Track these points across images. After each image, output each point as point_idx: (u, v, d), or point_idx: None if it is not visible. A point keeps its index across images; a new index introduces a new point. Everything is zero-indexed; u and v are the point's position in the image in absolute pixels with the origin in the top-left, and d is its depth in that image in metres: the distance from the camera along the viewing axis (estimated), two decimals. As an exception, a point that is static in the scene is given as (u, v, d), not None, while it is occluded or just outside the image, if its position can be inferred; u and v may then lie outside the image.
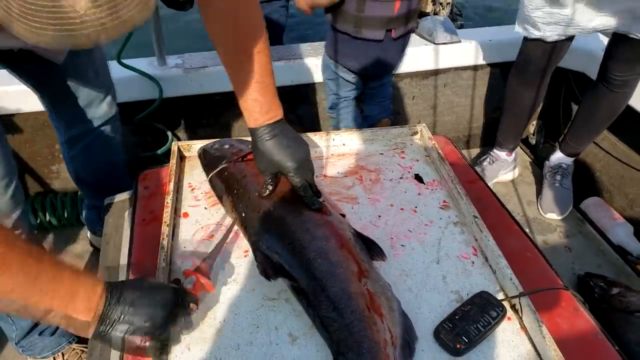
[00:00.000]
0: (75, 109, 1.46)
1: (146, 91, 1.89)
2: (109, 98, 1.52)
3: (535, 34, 1.76)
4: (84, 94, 1.44)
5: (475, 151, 2.54)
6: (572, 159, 2.03)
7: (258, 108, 0.98)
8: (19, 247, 0.65)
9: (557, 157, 2.05)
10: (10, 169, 1.14)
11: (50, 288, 0.67)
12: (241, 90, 0.98)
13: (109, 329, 0.72)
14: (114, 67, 1.85)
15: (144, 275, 0.85)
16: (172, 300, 0.79)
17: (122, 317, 0.73)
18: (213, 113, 2.06)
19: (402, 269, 1.02)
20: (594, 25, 1.65)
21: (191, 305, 0.83)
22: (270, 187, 1.03)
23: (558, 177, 2.00)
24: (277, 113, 1.01)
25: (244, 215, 1.03)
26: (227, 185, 1.11)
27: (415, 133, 1.43)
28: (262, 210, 1.02)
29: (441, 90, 2.30)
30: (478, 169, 2.17)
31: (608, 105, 1.80)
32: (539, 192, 2.11)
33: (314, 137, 1.35)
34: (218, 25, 0.94)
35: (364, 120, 1.99)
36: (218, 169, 1.14)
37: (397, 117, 2.30)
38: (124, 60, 1.85)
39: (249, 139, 1.27)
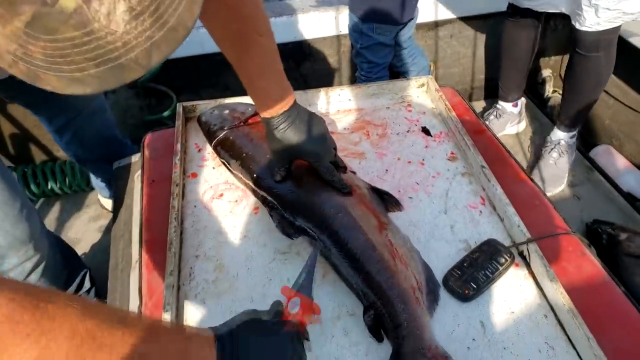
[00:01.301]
0: (53, 104, 1.42)
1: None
2: None
3: None
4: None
5: (480, 103, 2.51)
6: (572, 133, 1.94)
7: (270, 95, 0.91)
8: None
9: (556, 133, 1.97)
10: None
11: None
12: (249, 79, 0.91)
13: None
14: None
15: (246, 315, 0.68)
16: (292, 351, 0.65)
17: None
18: (215, 73, 2.04)
19: (410, 221, 1.03)
20: None
21: (305, 341, 0.71)
22: (283, 173, 0.98)
23: (554, 155, 1.94)
24: (290, 97, 0.93)
25: (255, 176, 1.02)
26: (233, 150, 1.09)
27: (422, 85, 1.42)
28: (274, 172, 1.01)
29: (447, 42, 2.26)
30: (485, 122, 2.15)
31: (587, 72, 1.74)
32: (538, 155, 2.06)
33: (319, 93, 1.34)
34: (214, 10, 0.84)
35: None
36: (222, 136, 1.12)
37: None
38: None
39: (247, 99, 1.27)
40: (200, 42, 1.91)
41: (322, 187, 0.96)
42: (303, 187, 0.98)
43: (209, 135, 1.16)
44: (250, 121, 1.15)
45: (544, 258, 0.90)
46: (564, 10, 1.67)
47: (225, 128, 1.13)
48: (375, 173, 1.14)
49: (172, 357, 0.54)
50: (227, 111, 1.19)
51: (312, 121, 0.96)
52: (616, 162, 1.99)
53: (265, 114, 0.93)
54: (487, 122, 2.16)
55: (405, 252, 0.88)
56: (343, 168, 1.04)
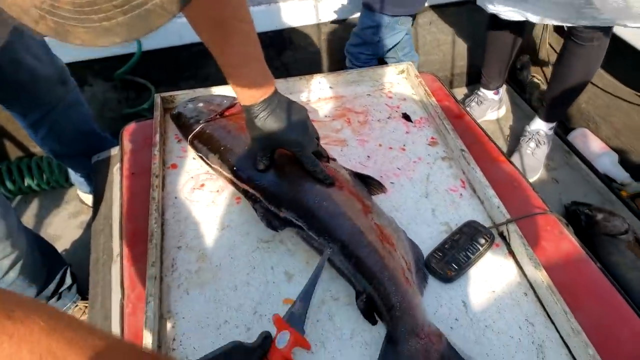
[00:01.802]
0: (25, 99, 1.38)
1: (123, 45, 1.84)
2: (59, 78, 1.44)
3: None
4: (30, 85, 1.35)
5: (461, 90, 2.53)
6: (552, 125, 1.96)
7: (251, 83, 0.90)
8: None
9: (536, 123, 1.98)
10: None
11: None
12: (230, 67, 0.89)
13: None
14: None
15: (229, 349, 0.66)
16: None
17: None
18: (194, 64, 2.02)
19: (392, 205, 1.03)
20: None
21: None
22: (266, 163, 0.97)
23: (532, 145, 1.95)
24: (271, 84, 0.92)
25: (236, 169, 1.00)
26: (211, 143, 1.06)
27: (402, 72, 1.42)
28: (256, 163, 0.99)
29: (427, 28, 2.27)
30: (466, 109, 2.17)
31: (580, 61, 1.74)
32: (518, 140, 2.07)
33: (300, 81, 1.34)
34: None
35: None
36: (198, 129, 1.09)
37: (391, 59, 2.27)
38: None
39: (221, 90, 1.26)
40: (179, 32, 1.89)
41: (306, 176, 0.96)
42: (286, 178, 0.97)
43: (184, 129, 1.13)
44: (226, 113, 1.13)
45: (523, 237, 0.92)
46: (543, 20, 1.66)
47: (201, 121, 1.10)
48: (357, 160, 1.15)
49: None
50: (201, 104, 1.16)
51: (294, 110, 0.95)
52: (593, 145, 2.02)
53: (246, 102, 0.92)
54: (468, 108, 2.18)
55: (391, 233, 0.89)
56: (326, 158, 1.04)
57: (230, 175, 1.01)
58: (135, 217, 1.01)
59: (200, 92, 1.26)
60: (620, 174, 1.90)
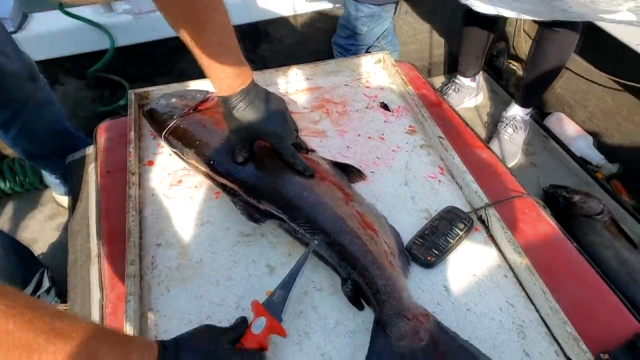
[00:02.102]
0: None
1: (95, 41, 1.81)
2: (28, 74, 1.40)
3: None
4: None
5: (439, 78, 2.54)
6: (528, 110, 1.98)
7: (228, 72, 0.88)
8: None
9: (513, 109, 2.00)
10: None
11: None
12: (205, 57, 0.86)
13: None
14: (58, 18, 1.76)
15: (201, 329, 0.67)
16: None
17: None
18: (170, 59, 1.99)
19: (372, 195, 1.03)
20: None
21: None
22: (245, 155, 0.96)
23: (509, 131, 1.97)
24: (248, 75, 0.91)
25: (213, 163, 0.99)
26: (186, 139, 1.04)
27: (379, 61, 1.42)
28: (234, 157, 0.98)
29: (403, 18, 2.27)
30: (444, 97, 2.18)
31: (554, 47, 1.75)
32: (496, 126, 2.08)
33: (276, 73, 1.33)
34: None
35: None
36: (172, 125, 1.07)
37: (375, 47, 2.27)
38: (68, 10, 1.75)
39: (197, 84, 1.24)
40: (153, 27, 1.86)
41: (285, 167, 0.95)
42: (265, 170, 0.96)
43: (158, 125, 1.11)
44: (200, 107, 1.12)
45: (501, 221, 0.93)
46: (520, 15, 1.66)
47: (175, 117, 1.08)
48: (336, 150, 1.14)
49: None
50: (174, 99, 1.14)
51: (272, 101, 0.94)
52: (569, 128, 2.05)
53: (223, 93, 0.90)
54: (445, 97, 2.20)
55: (373, 220, 0.89)
56: (305, 149, 1.03)
57: (207, 170, 1.00)
58: (113, 216, 0.99)
59: (175, 87, 1.24)
60: (596, 157, 1.93)
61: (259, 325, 0.70)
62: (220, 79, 0.89)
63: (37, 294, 1.36)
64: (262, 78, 1.31)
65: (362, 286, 0.80)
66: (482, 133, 2.16)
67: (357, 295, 0.81)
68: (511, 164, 1.94)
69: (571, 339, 0.76)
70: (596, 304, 0.86)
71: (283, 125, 0.95)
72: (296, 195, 0.90)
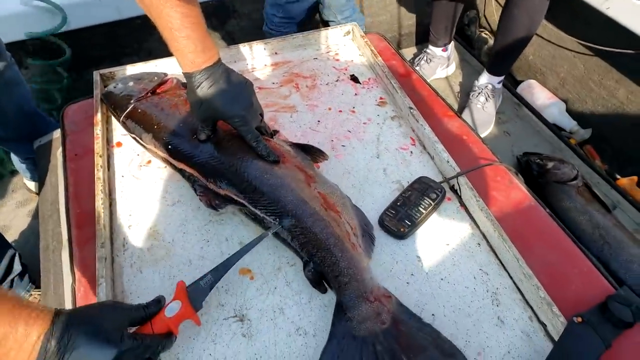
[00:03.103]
0: None
1: (54, 22, 1.74)
2: None
3: None
4: None
5: (411, 49, 2.52)
6: (500, 78, 1.97)
7: (192, 47, 0.85)
8: None
9: (484, 77, 1.99)
10: None
11: None
12: (169, 30, 0.83)
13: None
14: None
15: (106, 303, 0.64)
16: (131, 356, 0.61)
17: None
18: (136, 39, 1.93)
19: (344, 168, 1.03)
20: None
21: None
22: (208, 133, 0.94)
23: (482, 99, 1.96)
24: (214, 52, 0.88)
25: (172, 147, 0.96)
26: (144, 123, 1.01)
27: (348, 33, 1.40)
28: (193, 141, 0.95)
29: (373, -11, 2.24)
30: (415, 68, 2.17)
31: (524, 13, 1.73)
32: (468, 96, 2.07)
33: (244, 48, 1.30)
34: None
35: None
36: (130, 108, 1.04)
37: (331, 22, 2.24)
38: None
39: (164, 62, 1.21)
40: (117, 7, 1.81)
41: (245, 151, 0.92)
42: (225, 153, 0.93)
43: (115, 110, 1.08)
44: (158, 90, 1.09)
45: (473, 189, 0.93)
46: None
47: (132, 100, 1.05)
48: (307, 125, 1.13)
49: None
50: (131, 82, 1.10)
51: (238, 83, 0.92)
52: (541, 95, 2.06)
53: (187, 69, 0.87)
54: (417, 67, 2.19)
55: (336, 201, 0.88)
56: (269, 134, 1.01)
57: (165, 155, 0.98)
58: (82, 199, 0.97)
59: (141, 67, 1.21)
60: (569, 123, 1.95)
61: (171, 308, 0.68)
62: (183, 54, 0.86)
63: (10, 277, 1.34)
64: (230, 54, 1.28)
65: (324, 269, 0.79)
66: (455, 103, 2.17)
67: (319, 278, 0.80)
68: (484, 132, 1.95)
69: (544, 304, 0.77)
70: (569, 268, 0.87)
71: (248, 108, 0.92)
72: (257, 178, 0.88)
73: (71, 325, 0.58)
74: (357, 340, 0.71)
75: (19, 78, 1.46)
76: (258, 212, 0.86)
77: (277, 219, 0.84)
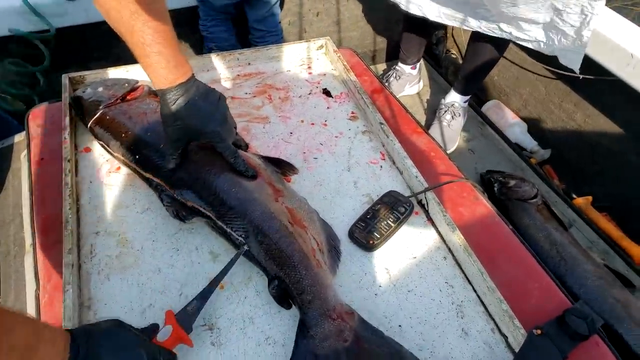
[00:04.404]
0: None
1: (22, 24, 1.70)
2: None
3: None
4: None
5: (381, 66, 2.58)
6: (466, 98, 2.03)
7: (165, 63, 0.83)
8: None
9: (451, 96, 2.04)
10: None
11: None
12: (141, 45, 0.81)
13: None
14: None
15: (112, 321, 0.65)
16: None
17: None
18: (105, 44, 1.90)
19: (315, 180, 1.05)
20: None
21: None
22: (178, 160, 0.91)
23: (447, 117, 2.02)
24: (187, 68, 0.86)
25: (138, 157, 0.96)
26: (112, 130, 1.00)
27: (321, 47, 1.42)
28: (163, 152, 0.93)
29: (345, 5, 2.28)
30: (385, 84, 2.21)
31: (492, 38, 1.81)
32: (434, 112, 2.13)
33: (216, 58, 1.31)
34: None
35: None
36: (98, 115, 1.03)
37: (304, 35, 2.27)
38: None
39: (135, 69, 1.20)
40: (85, 9, 1.78)
41: (213, 162, 0.92)
42: (193, 164, 0.92)
43: (84, 115, 1.06)
44: (129, 97, 1.08)
45: (440, 204, 0.96)
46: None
47: (101, 106, 1.04)
48: (280, 136, 1.14)
49: (20, 350, 0.50)
50: (101, 88, 1.08)
51: (212, 98, 0.90)
52: (504, 115, 2.14)
53: (160, 85, 0.85)
54: (387, 84, 2.23)
55: (303, 216, 0.88)
56: (245, 146, 1.00)
57: (133, 164, 0.97)
58: (48, 205, 0.95)
59: (111, 72, 1.20)
60: (530, 142, 2.03)
61: (165, 334, 0.70)
62: (156, 70, 0.84)
63: None
64: (202, 63, 1.29)
65: (288, 286, 0.78)
66: (423, 119, 2.22)
67: (284, 295, 0.80)
68: (450, 149, 2.00)
69: (506, 317, 0.80)
70: (529, 283, 0.91)
71: (223, 124, 0.91)
72: (224, 191, 0.87)
73: (92, 339, 0.59)
74: (319, 358, 0.72)
75: None
76: (224, 225, 0.85)
77: (244, 234, 0.83)
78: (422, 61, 2.32)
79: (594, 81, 1.70)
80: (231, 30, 1.93)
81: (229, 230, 0.85)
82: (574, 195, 1.84)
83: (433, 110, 2.17)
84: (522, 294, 0.89)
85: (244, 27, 1.99)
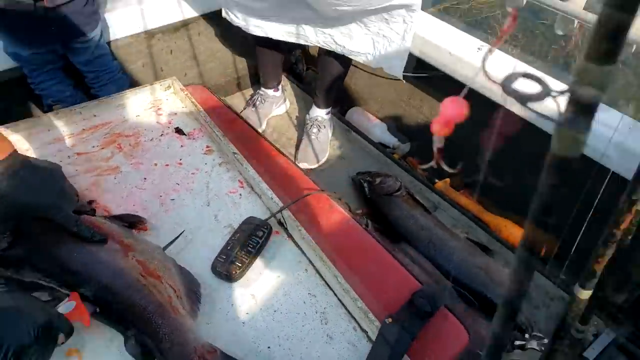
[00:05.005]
0: None
1: None
2: None
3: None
4: None
5: (248, 91, 2.62)
6: (328, 109, 2.14)
7: None
8: None
9: (314, 111, 2.15)
10: None
11: None
12: None
13: None
14: None
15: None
16: (44, 325, 0.67)
17: None
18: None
19: (175, 222, 1.05)
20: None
21: (60, 336, 0.71)
22: (10, 239, 0.84)
23: (314, 131, 2.12)
24: (6, 144, 0.83)
25: None
26: None
27: (168, 87, 1.44)
28: None
29: (197, 39, 2.30)
30: (251, 109, 2.26)
31: (336, 56, 1.90)
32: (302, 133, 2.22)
33: (55, 117, 1.27)
34: None
35: None
36: None
37: (161, 74, 2.25)
38: None
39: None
40: None
41: (50, 233, 0.87)
42: (28, 240, 0.86)
43: None
44: None
45: (296, 220, 1.01)
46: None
47: None
48: (133, 184, 1.14)
49: None
50: None
51: (43, 169, 0.87)
52: (365, 118, 2.28)
53: None
54: (253, 108, 2.28)
55: (157, 266, 0.88)
56: (91, 211, 0.98)
57: None
58: None
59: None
60: (391, 140, 2.18)
61: (66, 306, 0.76)
62: None
63: None
64: (39, 123, 1.24)
65: (145, 340, 0.78)
66: (295, 135, 2.29)
67: (145, 351, 0.78)
68: (322, 160, 2.09)
69: (362, 313, 0.86)
70: (384, 274, 0.99)
71: (59, 194, 0.89)
72: (66, 259, 0.84)
73: None
74: None
75: None
76: (78, 290, 0.81)
77: (98, 294, 0.81)
78: (285, 80, 2.41)
79: (431, 77, 1.88)
80: (64, 80, 1.81)
81: (88, 294, 0.81)
82: (436, 180, 2.00)
83: (302, 126, 2.25)
84: (379, 286, 0.96)
85: (78, 73, 1.88)
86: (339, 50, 1.75)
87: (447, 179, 1.93)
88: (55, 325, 0.70)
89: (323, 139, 2.12)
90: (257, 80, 2.60)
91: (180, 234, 0.99)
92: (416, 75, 1.87)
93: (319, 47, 1.95)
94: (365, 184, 1.79)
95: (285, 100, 2.43)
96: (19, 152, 0.87)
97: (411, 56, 1.77)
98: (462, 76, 1.69)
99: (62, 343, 0.73)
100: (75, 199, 0.93)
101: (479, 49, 1.67)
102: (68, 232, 0.87)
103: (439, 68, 1.75)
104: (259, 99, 2.33)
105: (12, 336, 0.64)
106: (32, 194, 0.84)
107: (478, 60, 1.60)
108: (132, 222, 0.99)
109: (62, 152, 1.19)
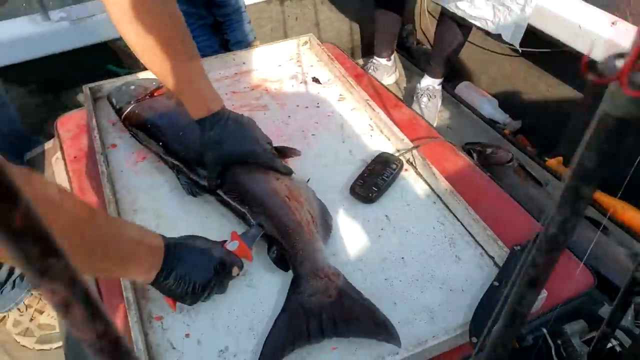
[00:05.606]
0: None
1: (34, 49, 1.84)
2: None
3: None
4: None
5: (359, 61, 2.74)
6: (439, 81, 2.21)
7: (200, 97, 0.97)
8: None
9: (426, 80, 2.23)
10: None
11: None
12: (181, 82, 0.95)
13: (163, 282, 0.78)
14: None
15: (193, 236, 0.86)
16: (220, 262, 0.83)
17: (177, 275, 0.78)
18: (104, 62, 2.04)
19: (315, 154, 1.20)
20: None
21: (234, 269, 0.86)
22: (218, 181, 1.02)
23: (424, 100, 2.20)
24: (219, 100, 1.00)
25: (161, 144, 1.11)
26: (141, 122, 1.16)
27: (306, 43, 1.58)
28: (182, 140, 1.09)
29: (319, 8, 2.45)
30: (364, 74, 2.38)
31: (455, 24, 1.96)
32: (412, 97, 2.30)
33: (215, 60, 1.46)
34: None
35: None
36: (130, 109, 1.18)
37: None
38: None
39: (147, 75, 1.35)
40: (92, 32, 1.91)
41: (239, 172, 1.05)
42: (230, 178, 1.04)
43: (118, 110, 1.21)
44: (156, 94, 1.23)
45: (425, 159, 1.12)
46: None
47: (132, 102, 1.19)
48: (280, 120, 1.30)
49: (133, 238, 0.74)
50: (133, 86, 1.24)
51: (243, 122, 1.03)
52: (476, 94, 2.32)
53: (204, 113, 0.97)
54: (366, 76, 2.40)
55: (301, 192, 1.02)
56: (282, 154, 1.12)
57: (157, 149, 1.12)
58: (86, 195, 1.09)
59: (126, 79, 1.34)
60: (501, 116, 2.21)
61: (232, 245, 0.88)
62: (197, 100, 0.98)
63: (12, 279, 1.41)
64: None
65: (285, 251, 0.92)
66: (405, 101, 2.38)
67: (281, 259, 0.93)
68: (430, 129, 2.17)
69: (491, 240, 0.95)
70: (507, 216, 1.07)
71: (256, 142, 1.03)
72: (231, 172, 1.02)
73: (180, 249, 0.81)
74: (306, 310, 0.83)
75: (4, 101, 1.55)
76: (231, 199, 1.01)
77: (247, 207, 0.99)
78: (395, 54, 2.50)
79: (551, 54, 1.89)
80: (212, 37, 2.04)
81: (234, 204, 1.00)
82: (547, 159, 2.01)
83: (411, 95, 2.34)
84: (501, 224, 1.04)
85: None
86: (459, 13, 1.81)
87: (560, 157, 1.93)
88: (229, 261, 0.85)
89: (432, 109, 2.20)
90: (368, 52, 2.71)
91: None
92: (537, 50, 1.89)
93: (439, 16, 2.02)
94: (475, 153, 1.85)
95: (395, 70, 2.52)
96: None
97: (530, 31, 1.80)
98: (592, 54, 1.69)
99: (237, 274, 0.87)
100: (269, 147, 1.06)
101: (613, 23, 1.66)
102: (268, 168, 1.04)
103: (567, 44, 1.75)
104: (372, 67, 2.44)
105: (198, 272, 0.80)
106: (237, 143, 1.00)
107: (613, 37, 1.59)
108: (286, 152, 1.14)
109: (219, 90, 1.37)
